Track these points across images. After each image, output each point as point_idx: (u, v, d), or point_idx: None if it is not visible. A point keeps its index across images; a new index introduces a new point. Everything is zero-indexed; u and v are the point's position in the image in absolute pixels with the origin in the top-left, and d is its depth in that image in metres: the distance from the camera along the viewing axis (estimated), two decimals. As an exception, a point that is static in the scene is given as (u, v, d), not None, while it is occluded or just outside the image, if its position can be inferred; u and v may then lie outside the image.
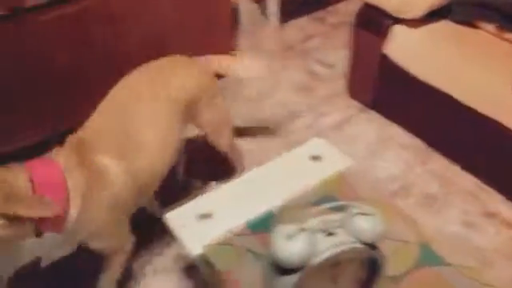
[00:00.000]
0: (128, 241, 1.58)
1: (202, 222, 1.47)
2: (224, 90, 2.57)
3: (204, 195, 1.57)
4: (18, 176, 1.19)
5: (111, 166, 1.40)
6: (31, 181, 1.20)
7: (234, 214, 1.48)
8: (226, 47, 2.60)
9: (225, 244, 1.39)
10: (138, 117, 1.52)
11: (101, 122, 1.50)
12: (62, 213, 1.25)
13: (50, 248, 1.64)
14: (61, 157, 1.32)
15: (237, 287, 1.30)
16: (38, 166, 1.26)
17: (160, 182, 1.61)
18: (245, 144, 2.30)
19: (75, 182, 1.29)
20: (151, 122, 1.54)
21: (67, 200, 1.26)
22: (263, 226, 1.42)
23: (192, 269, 1.79)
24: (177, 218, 1.48)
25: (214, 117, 1.80)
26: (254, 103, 2.57)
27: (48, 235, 1.28)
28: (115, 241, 1.53)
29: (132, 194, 1.47)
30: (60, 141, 1.42)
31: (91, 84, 2.10)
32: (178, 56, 1.78)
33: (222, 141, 1.90)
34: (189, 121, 1.71)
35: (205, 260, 1.39)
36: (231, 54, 2.07)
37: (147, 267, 1.83)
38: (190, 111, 1.67)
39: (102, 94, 1.58)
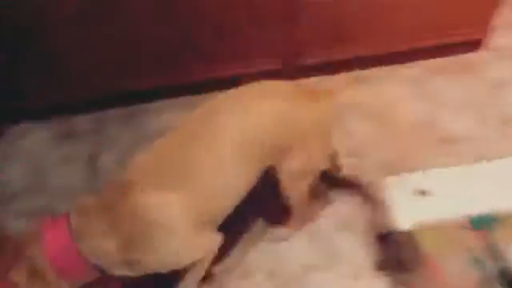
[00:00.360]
0: (208, 250, 1.37)
1: (417, 198, 1.39)
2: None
3: (426, 171, 1.47)
4: (36, 255, 1.17)
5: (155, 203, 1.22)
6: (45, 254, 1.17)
7: (456, 200, 1.36)
8: (483, 20, 2.33)
9: (438, 229, 1.30)
10: (195, 157, 1.28)
11: (148, 159, 1.31)
12: (80, 276, 1.23)
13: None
14: (74, 219, 1.21)
15: (439, 276, 1.22)
16: (49, 236, 1.19)
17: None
18: (470, 130, 2.09)
19: (90, 245, 1.20)
20: (210, 163, 1.29)
21: (82, 266, 1.20)
22: (486, 225, 1.29)
23: (384, 238, 1.74)
24: (393, 186, 1.43)
25: (300, 166, 1.46)
26: (495, 87, 2.29)
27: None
28: (188, 263, 1.35)
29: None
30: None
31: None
32: (279, 85, 1.45)
33: (295, 193, 1.57)
34: (269, 163, 1.44)
35: (411, 238, 1.32)
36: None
37: (336, 225, 1.82)
38: (274, 155, 1.41)
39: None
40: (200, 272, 1.40)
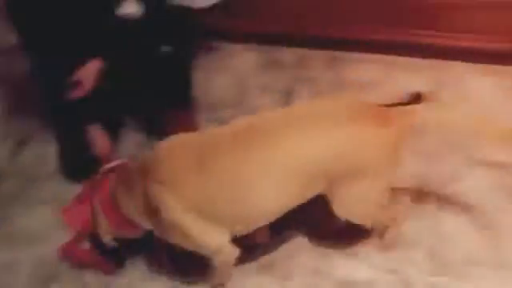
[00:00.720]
0: (220, 252, 1.41)
1: None
2: None
3: None
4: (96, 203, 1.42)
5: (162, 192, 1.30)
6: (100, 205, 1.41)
7: None
8: None
9: None
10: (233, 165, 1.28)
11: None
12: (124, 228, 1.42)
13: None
14: (114, 182, 1.40)
15: None
16: (100, 193, 1.42)
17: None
18: None
19: (126, 204, 1.37)
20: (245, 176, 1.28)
21: (122, 219, 1.39)
22: None
23: None
24: None
25: (353, 201, 1.39)
26: None
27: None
28: (201, 250, 1.41)
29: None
30: None
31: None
32: (343, 106, 1.34)
33: (360, 217, 1.48)
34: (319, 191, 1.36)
35: None
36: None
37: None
38: (321, 182, 1.33)
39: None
40: (220, 273, 1.48)
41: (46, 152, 2.04)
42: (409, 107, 1.38)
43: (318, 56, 2.31)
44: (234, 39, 2.44)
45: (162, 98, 1.89)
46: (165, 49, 1.71)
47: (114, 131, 1.91)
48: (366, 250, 1.62)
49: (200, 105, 2.09)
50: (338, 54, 2.29)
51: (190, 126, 1.94)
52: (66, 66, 1.62)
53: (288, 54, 2.35)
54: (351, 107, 1.33)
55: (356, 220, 1.47)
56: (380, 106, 1.36)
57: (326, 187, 1.34)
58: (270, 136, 1.28)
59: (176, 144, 1.36)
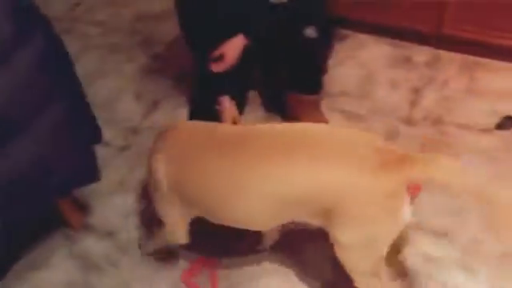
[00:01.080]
0: (171, 235, 1.52)
1: None
2: None
3: None
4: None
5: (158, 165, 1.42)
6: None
7: None
8: None
9: None
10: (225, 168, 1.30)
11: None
12: None
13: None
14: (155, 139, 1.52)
15: None
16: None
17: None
18: None
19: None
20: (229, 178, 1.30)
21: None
22: None
23: None
24: None
25: (355, 239, 1.25)
26: None
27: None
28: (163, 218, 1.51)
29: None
30: None
31: None
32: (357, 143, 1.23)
33: (353, 269, 1.34)
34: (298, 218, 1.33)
35: None
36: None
37: None
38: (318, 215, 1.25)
39: None
40: (157, 241, 1.62)
41: (176, 113, 2.20)
42: (418, 157, 1.19)
43: (453, 58, 2.23)
44: (367, 30, 2.42)
45: (294, 80, 1.94)
46: (309, 33, 1.75)
47: (241, 103, 1.99)
48: (479, 264, 1.58)
49: (324, 92, 2.13)
50: (475, 59, 2.20)
51: (314, 111, 1.98)
52: (213, 39, 1.72)
53: (421, 53, 2.29)
54: (355, 143, 1.23)
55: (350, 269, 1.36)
56: (391, 150, 1.22)
57: (322, 221, 1.27)
58: (263, 151, 1.27)
59: (186, 129, 1.49)
